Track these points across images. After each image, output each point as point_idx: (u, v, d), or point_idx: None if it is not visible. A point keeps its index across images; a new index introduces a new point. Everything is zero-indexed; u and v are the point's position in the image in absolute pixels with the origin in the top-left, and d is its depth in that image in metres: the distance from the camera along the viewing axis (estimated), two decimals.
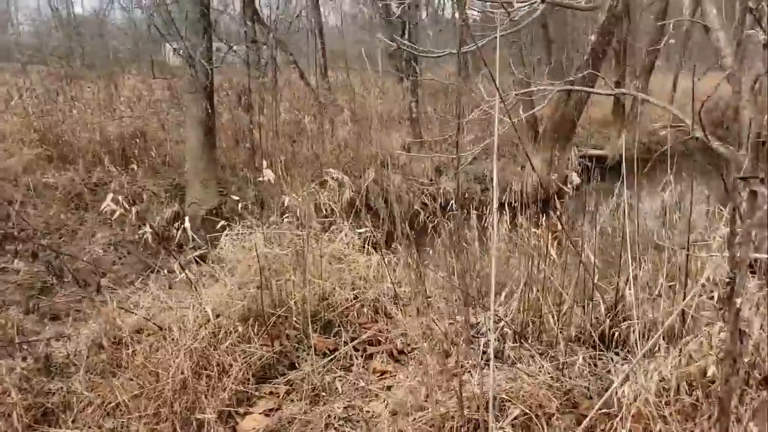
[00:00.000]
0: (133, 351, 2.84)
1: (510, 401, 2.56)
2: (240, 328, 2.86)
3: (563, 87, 5.63)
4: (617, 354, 3.03)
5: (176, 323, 2.79)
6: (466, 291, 2.78)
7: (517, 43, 12.40)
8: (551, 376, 2.72)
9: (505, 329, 2.94)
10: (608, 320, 3.22)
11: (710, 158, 3.90)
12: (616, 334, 3.14)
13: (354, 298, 3.28)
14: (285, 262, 3.11)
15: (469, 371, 2.81)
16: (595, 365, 2.91)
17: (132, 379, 2.72)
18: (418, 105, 11.47)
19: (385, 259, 3.44)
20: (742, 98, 3.74)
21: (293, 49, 15.79)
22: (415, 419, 2.53)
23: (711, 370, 2.41)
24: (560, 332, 3.03)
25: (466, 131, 13.37)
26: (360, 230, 3.42)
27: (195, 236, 2.99)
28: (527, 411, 2.49)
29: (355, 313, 3.30)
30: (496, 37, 2.62)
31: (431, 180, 12.39)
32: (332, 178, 3.57)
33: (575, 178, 14.47)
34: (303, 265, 3.02)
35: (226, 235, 3.22)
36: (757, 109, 4.36)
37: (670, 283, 3.20)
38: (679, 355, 2.55)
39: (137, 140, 9.28)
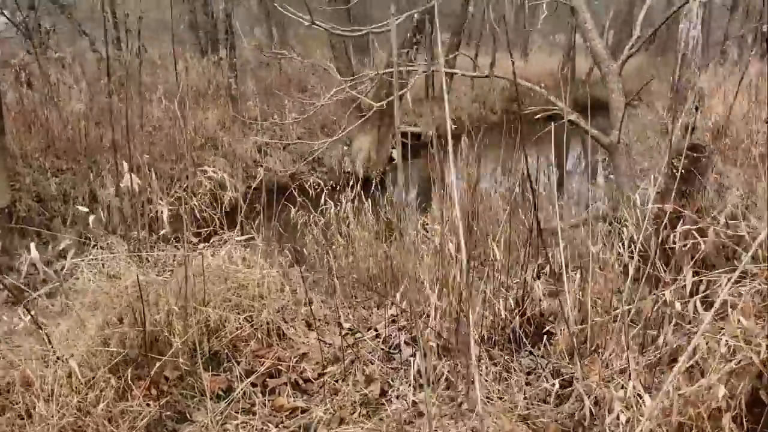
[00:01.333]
0: None
1: None
2: (113, 381, 2.22)
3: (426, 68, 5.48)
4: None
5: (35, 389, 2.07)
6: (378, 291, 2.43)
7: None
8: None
9: (429, 340, 2.65)
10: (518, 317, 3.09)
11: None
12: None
13: (246, 321, 2.76)
14: (161, 289, 2.49)
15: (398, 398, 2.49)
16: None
17: None
18: (237, 81, 10.66)
19: (272, 269, 2.95)
20: (610, 82, 3.85)
21: (81, 17, 13.88)
22: None
23: None
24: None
25: (289, 109, 12.86)
26: (240, 238, 2.88)
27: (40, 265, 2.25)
28: None
29: (246, 340, 2.79)
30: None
31: (255, 161, 11.72)
32: (207, 177, 2.96)
33: (396, 155, 14.80)
34: (184, 291, 2.44)
35: (82, 259, 2.50)
36: (623, 93, 4.62)
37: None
38: None
39: None
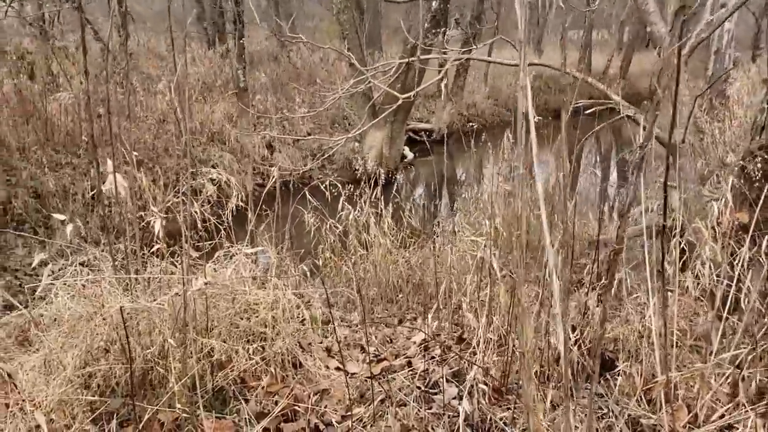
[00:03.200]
0: None
1: None
2: None
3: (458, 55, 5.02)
4: None
5: None
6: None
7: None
8: None
9: (478, 380, 2.19)
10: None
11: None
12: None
13: (257, 352, 2.31)
14: (156, 317, 2.05)
15: None
16: None
17: None
18: (245, 73, 10.22)
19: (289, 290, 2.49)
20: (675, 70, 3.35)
21: (87, 6, 13.46)
22: None
23: None
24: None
25: (299, 104, 12.42)
26: (250, 250, 2.42)
27: None
28: None
29: (257, 374, 2.35)
30: None
31: (263, 158, 11.28)
32: (210, 179, 2.50)
33: (409, 153, 14.19)
34: (182, 318, 1.99)
35: (56, 277, 2.06)
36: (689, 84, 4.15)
37: None
38: None
39: None
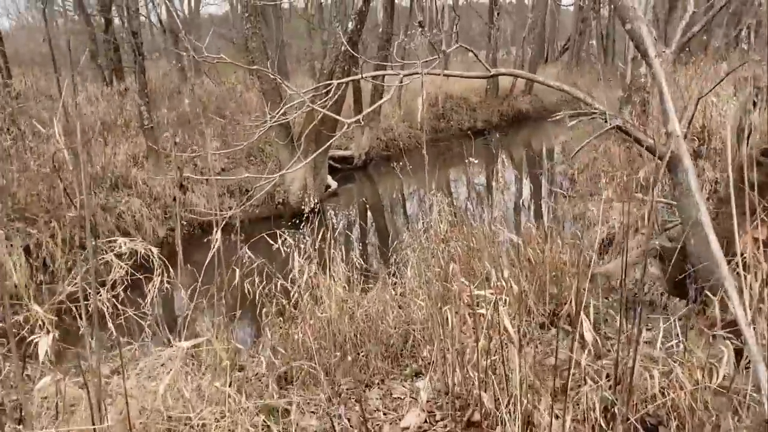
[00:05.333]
0: None
1: None
2: None
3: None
4: None
5: None
6: None
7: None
8: None
9: None
10: None
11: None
12: None
13: None
14: None
15: None
16: None
17: None
18: (149, 110, 9.36)
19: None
20: (661, 74, 2.98)
21: None
22: None
23: None
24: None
25: (211, 138, 11.61)
26: (187, 344, 1.76)
27: None
28: None
29: None
30: None
31: (175, 199, 10.34)
32: (117, 254, 1.82)
33: (332, 182, 13.60)
34: None
35: None
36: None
37: None
38: None
39: None
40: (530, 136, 19.53)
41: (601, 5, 23.78)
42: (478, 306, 1.96)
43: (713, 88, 3.26)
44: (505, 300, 2.07)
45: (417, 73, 3.04)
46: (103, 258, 1.80)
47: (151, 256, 1.84)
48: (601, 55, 30.82)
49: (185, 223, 9.48)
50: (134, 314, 1.88)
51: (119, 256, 1.85)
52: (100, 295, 1.65)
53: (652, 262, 3.27)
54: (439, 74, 3.21)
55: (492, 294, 1.95)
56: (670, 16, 10.86)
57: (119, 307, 1.77)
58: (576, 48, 28.64)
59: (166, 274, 1.94)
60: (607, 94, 13.59)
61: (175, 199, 9.94)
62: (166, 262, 2.14)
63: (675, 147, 2.66)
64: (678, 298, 3.32)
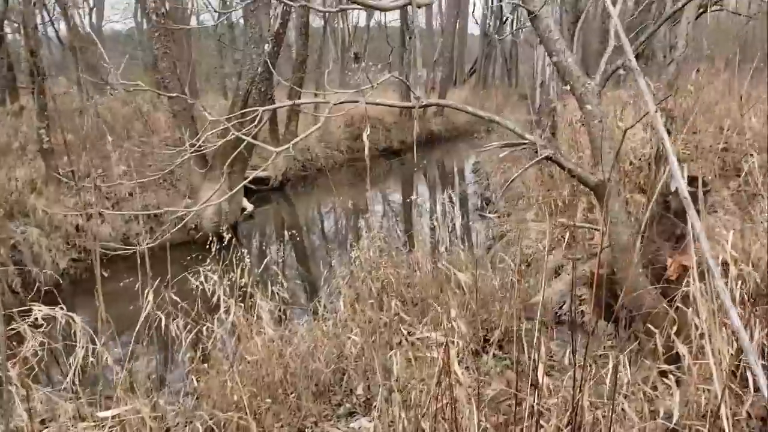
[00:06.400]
0: None
1: None
2: None
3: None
4: None
5: None
6: None
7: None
8: None
9: None
10: None
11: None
12: None
13: None
14: None
15: None
16: None
17: None
18: (49, 132, 8.76)
19: None
20: (587, 104, 3.04)
21: None
22: None
23: None
24: None
25: (118, 162, 11.00)
26: (108, 413, 1.53)
27: None
28: None
29: None
30: None
31: (77, 227, 9.68)
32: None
33: (248, 205, 13.27)
34: None
35: None
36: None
37: None
38: None
39: None
40: (443, 156, 19.96)
41: (505, 32, 24.78)
42: (427, 349, 1.86)
43: (640, 119, 3.39)
44: (455, 342, 2.00)
45: (354, 101, 2.96)
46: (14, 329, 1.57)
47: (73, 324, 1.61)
48: (506, 79, 32.11)
49: (82, 255, 8.95)
50: (49, 393, 1.65)
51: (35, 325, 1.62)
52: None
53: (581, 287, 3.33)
54: (373, 104, 3.15)
55: (443, 337, 1.87)
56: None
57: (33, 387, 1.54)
58: (482, 71, 29.68)
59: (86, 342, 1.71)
60: (516, 116, 14.07)
61: (80, 231, 9.32)
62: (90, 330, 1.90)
63: (605, 177, 2.71)
64: (606, 322, 3.39)
